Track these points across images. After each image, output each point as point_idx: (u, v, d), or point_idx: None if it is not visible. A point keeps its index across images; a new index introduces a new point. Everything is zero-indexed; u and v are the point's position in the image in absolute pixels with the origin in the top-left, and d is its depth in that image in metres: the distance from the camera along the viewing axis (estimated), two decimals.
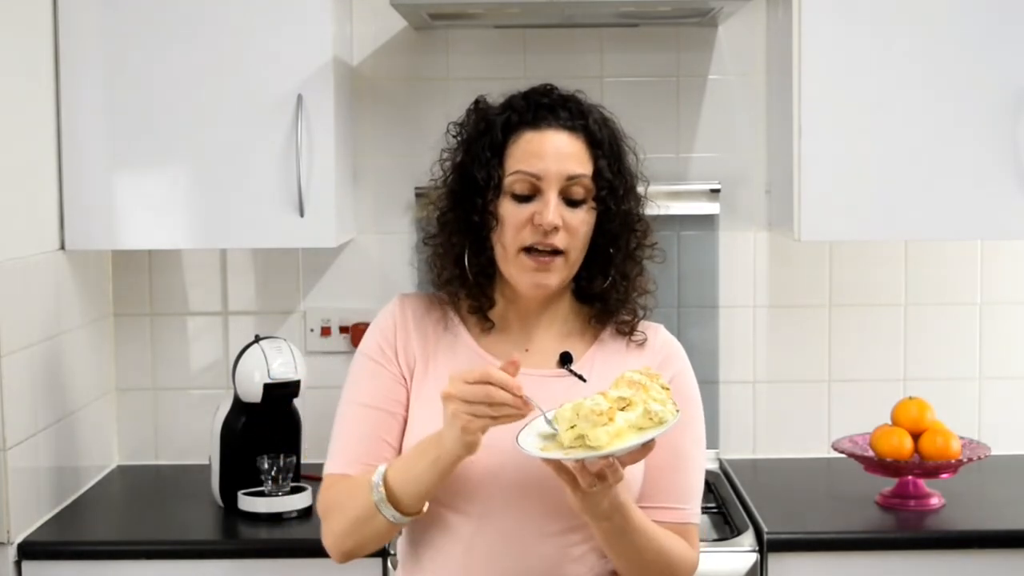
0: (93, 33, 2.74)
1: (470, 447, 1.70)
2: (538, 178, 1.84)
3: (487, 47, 3.12)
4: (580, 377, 1.89)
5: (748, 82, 3.14)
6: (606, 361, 1.92)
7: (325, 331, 3.15)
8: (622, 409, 1.65)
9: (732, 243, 3.16)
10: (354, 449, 1.88)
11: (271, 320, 3.16)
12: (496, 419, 1.67)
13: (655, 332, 1.98)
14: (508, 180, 1.86)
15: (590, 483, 1.66)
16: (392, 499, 1.78)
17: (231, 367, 2.83)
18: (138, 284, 3.15)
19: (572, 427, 1.65)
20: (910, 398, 2.83)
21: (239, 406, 2.80)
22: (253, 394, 2.76)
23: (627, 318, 1.95)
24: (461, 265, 1.90)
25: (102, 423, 3.07)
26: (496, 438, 1.83)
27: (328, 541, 1.89)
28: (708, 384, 3.10)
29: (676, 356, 1.97)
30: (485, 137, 1.89)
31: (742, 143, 3.15)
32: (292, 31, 2.74)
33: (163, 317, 3.16)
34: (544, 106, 1.90)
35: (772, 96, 3.08)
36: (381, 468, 1.80)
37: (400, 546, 1.98)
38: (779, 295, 3.18)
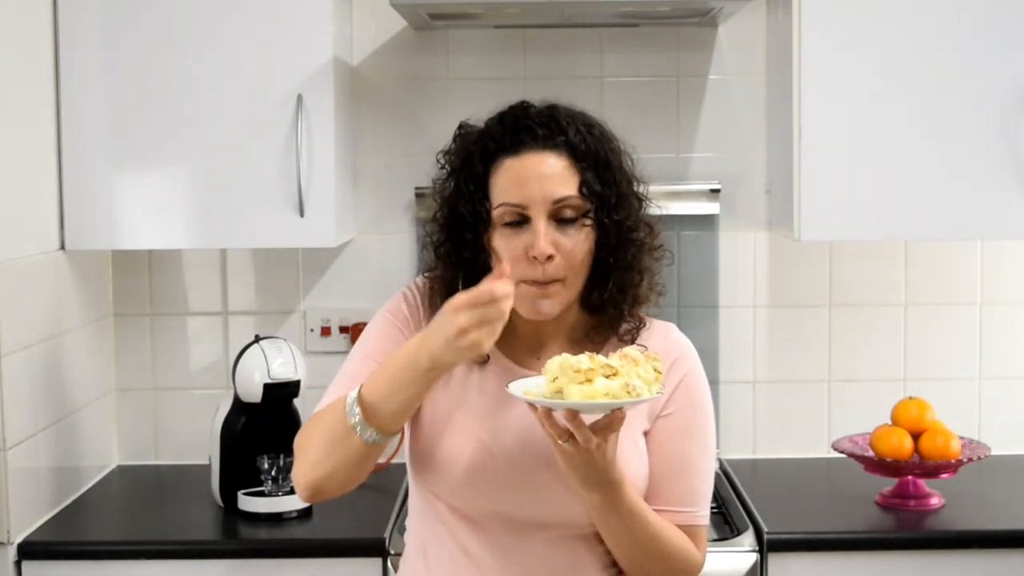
0: (93, 33, 2.74)
1: (478, 351, 1.66)
2: (524, 207, 1.80)
3: (487, 47, 3.12)
4: None
5: (748, 82, 3.14)
6: None
7: (325, 331, 3.15)
8: (607, 377, 1.66)
9: (732, 243, 3.16)
10: (347, 390, 1.80)
11: (271, 320, 3.16)
12: (503, 315, 1.64)
13: (665, 333, 1.95)
14: (496, 213, 1.82)
15: (558, 434, 1.67)
16: (370, 418, 1.72)
17: (231, 367, 2.83)
18: (138, 284, 3.15)
19: (555, 379, 1.67)
20: (910, 398, 2.83)
21: (239, 406, 2.80)
22: (253, 394, 2.76)
23: (629, 327, 1.92)
24: None
25: (102, 423, 3.07)
26: (495, 437, 1.83)
27: (298, 474, 1.81)
28: (708, 384, 3.11)
29: (685, 358, 1.94)
30: (466, 170, 1.85)
31: (742, 143, 3.15)
32: (292, 31, 2.74)
33: (163, 317, 3.16)
34: (521, 128, 1.84)
35: (772, 96, 3.08)
36: (354, 391, 1.75)
37: (407, 545, 1.97)
38: (779, 295, 3.18)
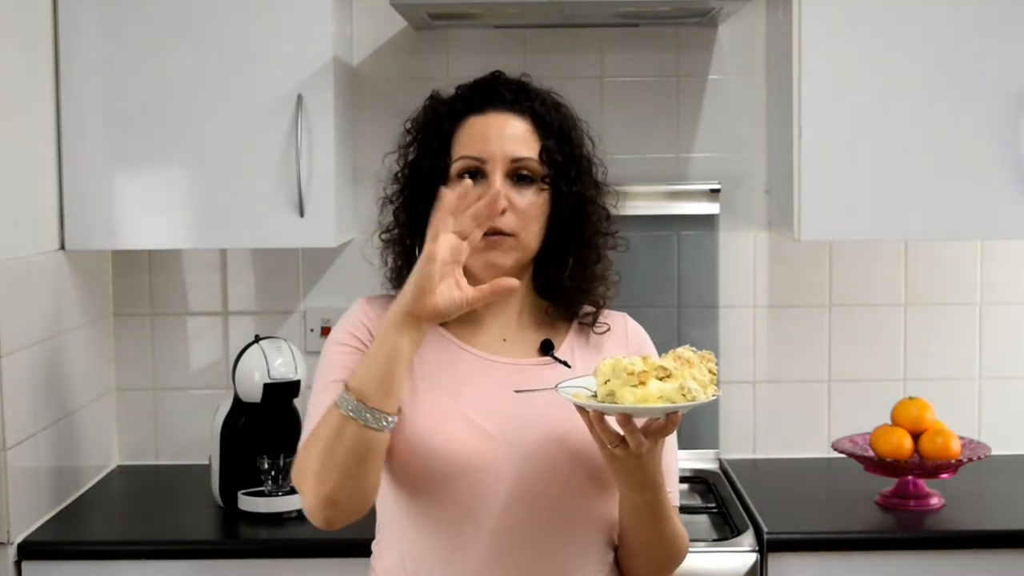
0: (93, 33, 2.74)
1: (437, 273, 1.66)
2: (483, 161, 1.84)
3: (487, 47, 3.12)
4: (564, 363, 1.88)
5: (748, 82, 3.14)
6: (582, 350, 1.92)
7: (325, 331, 3.15)
8: (661, 379, 1.63)
9: (732, 243, 3.16)
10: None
11: (271, 320, 3.16)
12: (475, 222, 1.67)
13: (623, 321, 1.99)
14: (455, 166, 1.86)
15: (610, 439, 1.66)
16: (364, 399, 1.68)
17: (231, 367, 2.83)
18: (138, 284, 3.15)
19: (606, 382, 1.65)
20: (910, 398, 2.83)
21: (239, 406, 2.80)
22: (253, 394, 2.76)
23: (590, 310, 1.94)
24: (412, 259, 1.85)
25: (102, 423, 3.08)
26: (487, 432, 1.82)
27: (307, 500, 1.75)
28: None
29: (644, 343, 1.97)
30: (432, 127, 1.91)
31: (742, 143, 3.16)
32: (292, 31, 2.74)
33: (163, 317, 3.16)
34: (490, 91, 1.90)
35: (772, 96, 3.08)
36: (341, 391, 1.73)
37: (382, 567, 1.90)
38: (779, 295, 3.18)
